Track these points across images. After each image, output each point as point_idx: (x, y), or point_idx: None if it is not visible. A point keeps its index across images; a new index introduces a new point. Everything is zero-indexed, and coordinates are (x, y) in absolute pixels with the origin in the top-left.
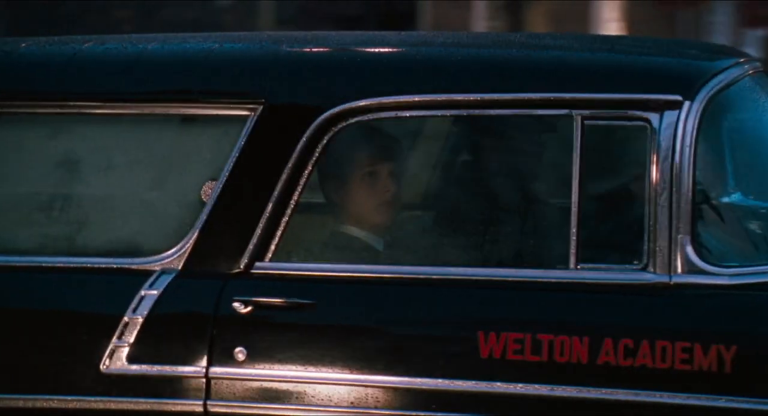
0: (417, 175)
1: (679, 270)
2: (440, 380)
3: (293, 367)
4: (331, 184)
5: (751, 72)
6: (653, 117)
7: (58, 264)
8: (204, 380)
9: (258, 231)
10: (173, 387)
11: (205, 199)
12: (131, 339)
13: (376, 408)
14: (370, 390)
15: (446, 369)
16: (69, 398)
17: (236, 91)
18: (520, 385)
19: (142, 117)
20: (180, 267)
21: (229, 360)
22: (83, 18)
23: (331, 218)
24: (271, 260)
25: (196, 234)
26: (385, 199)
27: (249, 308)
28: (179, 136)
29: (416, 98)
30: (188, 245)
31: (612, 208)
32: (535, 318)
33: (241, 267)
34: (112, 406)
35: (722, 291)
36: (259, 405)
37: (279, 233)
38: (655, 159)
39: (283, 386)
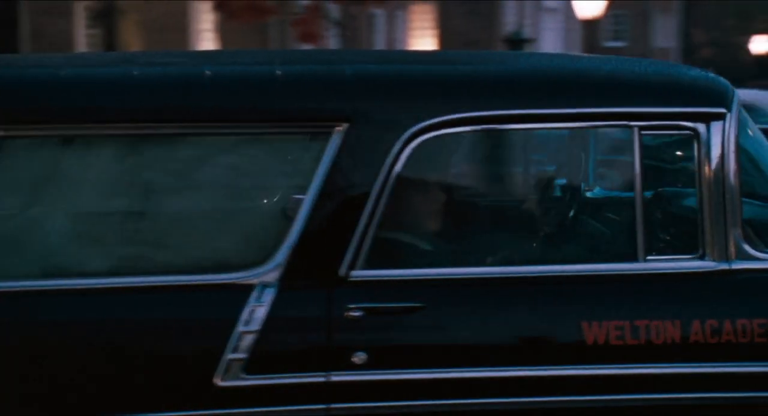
0: (496, 181)
1: (734, 257)
2: (551, 367)
3: (410, 366)
4: (411, 193)
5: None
6: (701, 127)
7: (155, 283)
8: (325, 385)
9: (352, 241)
10: (294, 394)
11: (291, 214)
12: (246, 352)
13: (492, 397)
14: (483, 382)
15: (555, 357)
16: (184, 414)
17: (322, 110)
18: (623, 366)
19: (230, 136)
20: (278, 280)
21: (348, 364)
22: None
23: (410, 224)
24: (364, 268)
25: (290, 248)
26: (456, 206)
27: (360, 313)
28: (264, 154)
29: (491, 113)
30: (283, 258)
31: (670, 206)
32: (627, 306)
33: (340, 275)
34: None
35: None
36: (381, 405)
37: (370, 242)
38: (706, 162)
39: (403, 385)
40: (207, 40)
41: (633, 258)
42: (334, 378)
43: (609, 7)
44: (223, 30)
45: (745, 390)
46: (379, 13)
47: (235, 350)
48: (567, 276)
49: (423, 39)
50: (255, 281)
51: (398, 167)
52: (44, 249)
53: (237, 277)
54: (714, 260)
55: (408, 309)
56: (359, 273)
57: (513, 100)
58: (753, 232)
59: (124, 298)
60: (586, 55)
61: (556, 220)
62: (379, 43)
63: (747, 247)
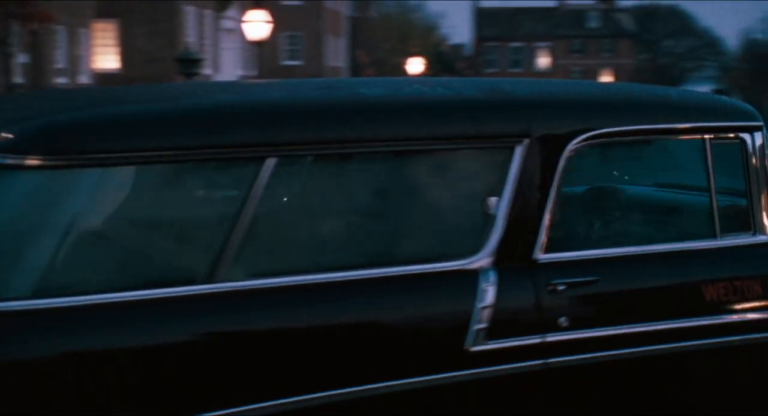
0: (634, 179)
1: None
2: (695, 318)
3: (599, 325)
4: (572, 190)
5: None
6: (747, 137)
7: (393, 274)
8: (542, 344)
9: (540, 230)
10: (522, 353)
11: (489, 211)
12: (486, 322)
13: (651, 345)
14: (649, 335)
15: (694, 310)
16: (440, 376)
17: (508, 130)
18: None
19: (438, 152)
20: (492, 265)
21: (556, 327)
22: None
23: (574, 216)
24: (547, 252)
25: (496, 238)
26: (604, 199)
27: (560, 287)
28: (469, 165)
29: (631, 128)
30: (493, 247)
31: (730, 196)
32: (725, 270)
33: (533, 259)
34: (479, 376)
35: None
36: (582, 357)
37: (548, 231)
38: (753, 164)
39: (596, 340)
40: None
41: (713, 236)
42: (549, 339)
43: (284, 28)
44: None
45: None
46: (61, 29)
47: (479, 321)
48: (685, 251)
49: (106, 56)
50: (477, 266)
51: (565, 170)
52: (322, 246)
53: (462, 264)
54: (764, 234)
55: (588, 282)
56: (545, 256)
57: (637, 118)
58: None
59: (386, 286)
60: (654, 85)
61: (670, 206)
62: (62, 60)
63: None
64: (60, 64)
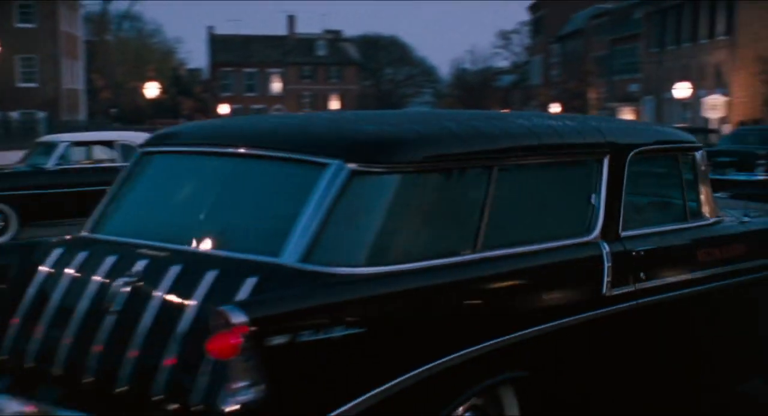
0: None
1: (689, 218)
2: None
3: (661, 276)
4: (632, 187)
5: None
6: (698, 153)
7: (556, 246)
8: (635, 290)
9: (620, 216)
10: (625, 297)
11: (593, 203)
12: (610, 276)
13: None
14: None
15: (703, 265)
16: (582, 316)
17: (600, 145)
18: None
19: (566, 163)
20: (600, 239)
21: (640, 279)
22: None
23: (632, 206)
24: (624, 230)
25: (599, 222)
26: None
27: (641, 254)
28: (577, 172)
29: (660, 146)
30: (596, 229)
31: (691, 193)
32: (707, 238)
33: (618, 235)
34: (611, 312)
35: None
36: (655, 298)
37: (623, 216)
38: (700, 169)
39: (660, 286)
40: None
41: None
42: (638, 286)
43: (19, 51)
44: None
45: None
46: None
47: (607, 276)
48: (684, 228)
49: None
50: (596, 240)
51: (627, 172)
52: (518, 227)
53: (590, 239)
54: (704, 219)
55: (652, 250)
56: (624, 233)
57: (658, 141)
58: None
59: (552, 252)
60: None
61: (666, 201)
62: None
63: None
64: None
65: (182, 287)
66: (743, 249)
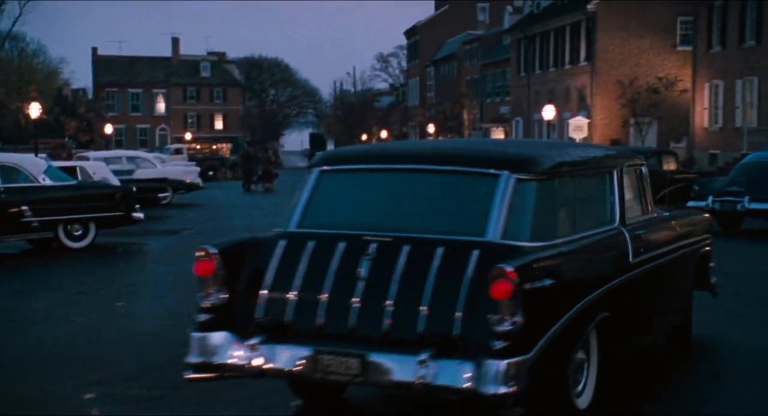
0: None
1: (619, 222)
2: None
3: (651, 250)
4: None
5: None
6: (643, 168)
7: (601, 231)
8: (640, 260)
9: (624, 210)
10: (639, 263)
11: (612, 202)
12: (632, 252)
13: None
14: None
15: (669, 241)
16: (624, 276)
17: (612, 164)
18: None
19: (598, 174)
20: (621, 226)
21: (641, 253)
22: None
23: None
24: (627, 220)
25: (618, 215)
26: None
27: (641, 235)
28: (598, 181)
29: (631, 163)
30: (618, 218)
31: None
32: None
33: (628, 223)
34: (633, 277)
35: None
36: (648, 265)
37: (625, 210)
38: (646, 180)
39: (652, 256)
40: None
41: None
42: (638, 259)
43: None
44: None
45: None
46: None
47: (631, 250)
48: (654, 218)
49: None
50: (619, 227)
51: (625, 181)
52: (592, 216)
53: (616, 225)
54: (651, 214)
55: (641, 232)
56: (628, 222)
57: (630, 161)
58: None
59: (599, 236)
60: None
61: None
62: None
63: (636, 212)
64: None
65: (429, 256)
66: (675, 232)
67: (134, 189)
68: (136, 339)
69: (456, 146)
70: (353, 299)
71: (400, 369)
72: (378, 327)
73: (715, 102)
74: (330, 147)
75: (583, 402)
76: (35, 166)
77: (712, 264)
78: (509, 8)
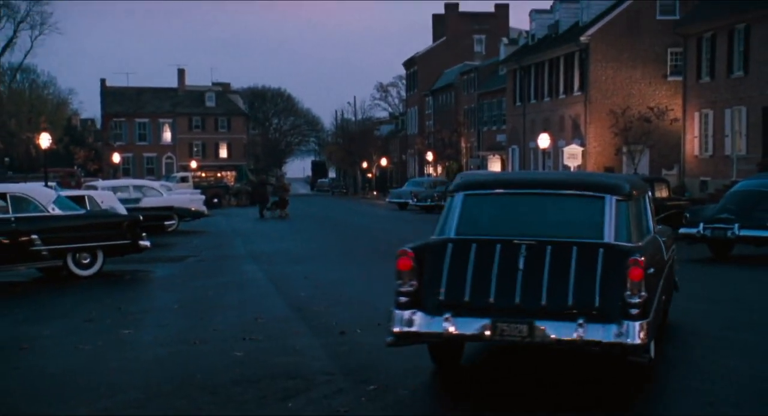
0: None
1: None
2: None
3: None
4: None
5: None
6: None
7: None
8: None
9: (651, 225)
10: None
11: (648, 220)
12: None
13: None
14: None
15: None
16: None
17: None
18: None
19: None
20: (655, 235)
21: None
22: None
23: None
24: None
25: (653, 227)
26: None
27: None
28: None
29: (635, 191)
30: (653, 230)
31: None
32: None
33: (653, 231)
34: (667, 268)
35: None
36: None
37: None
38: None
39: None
40: None
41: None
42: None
43: None
44: None
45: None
46: None
47: (664, 247)
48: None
49: None
50: (655, 234)
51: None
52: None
53: (653, 235)
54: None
55: (650, 240)
56: (654, 231)
57: (638, 189)
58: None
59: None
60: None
61: None
62: None
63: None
64: None
65: (567, 252)
66: (670, 240)
67: (141, 217)
68: (142, 366)
69: (567, 177)
70: (516, 283)
71: (561, 330)
72: (538, 302)
73: (705, 130)
74: (331, 174)
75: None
76: (45, 196)
77: (677, 267)
78: (505, 40)
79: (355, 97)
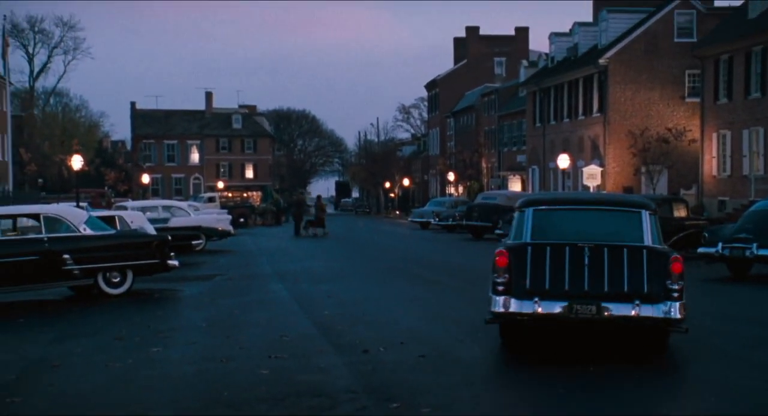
0: None
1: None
2: None
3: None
4: None
5: None
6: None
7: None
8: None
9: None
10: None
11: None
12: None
13: None
14: None
15: None
16: None
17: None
18: None
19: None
20: (653, 243)
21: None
22: None
23: None
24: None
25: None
26: None
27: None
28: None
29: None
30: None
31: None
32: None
33: (664, 243)
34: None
35: None
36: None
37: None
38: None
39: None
40: None
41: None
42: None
43: None
44: None
45: None
46: None
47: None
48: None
49: None
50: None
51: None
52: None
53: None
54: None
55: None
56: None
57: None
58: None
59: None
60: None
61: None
62: None
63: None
64: None
65: (620, 253)
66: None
67: (169, 237)
68: (171, 384)
69: (607, 196)
70: (584, 275)
71: (622, 309)
72: (602, 289)
73: (723, 151)
74: (355, 194)
75: None
76: (77, 216)
77: None
78: (525, 62)
79: (377, 119)
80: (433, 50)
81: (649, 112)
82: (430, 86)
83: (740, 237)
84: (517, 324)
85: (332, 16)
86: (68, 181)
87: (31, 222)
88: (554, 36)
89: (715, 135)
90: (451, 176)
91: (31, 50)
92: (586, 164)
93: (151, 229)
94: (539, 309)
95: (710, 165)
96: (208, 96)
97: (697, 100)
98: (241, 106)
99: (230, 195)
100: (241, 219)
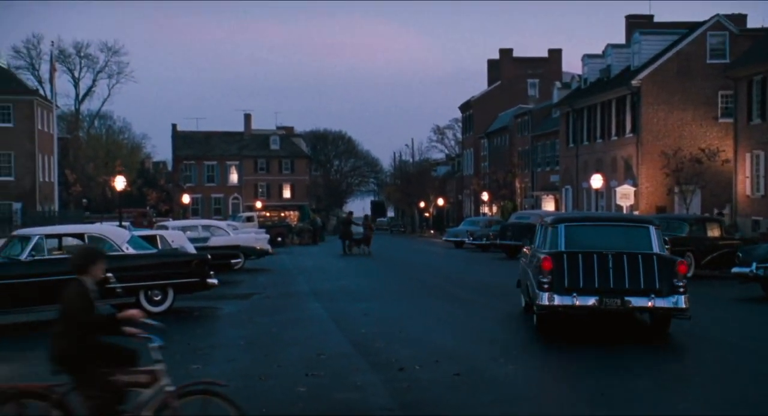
0: None
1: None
2: None
3: None
4: None
5: None
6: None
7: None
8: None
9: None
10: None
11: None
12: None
13: None
14: None
15: None
16: None
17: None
18: None
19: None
20: (661, 250)
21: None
22: None
23: None
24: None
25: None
26: None
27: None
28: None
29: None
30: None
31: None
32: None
33: (668, 250)
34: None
35: None
36: None
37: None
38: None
39: None
40: None
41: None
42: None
43: None
44: None
45: None
46: None
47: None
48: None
49: None
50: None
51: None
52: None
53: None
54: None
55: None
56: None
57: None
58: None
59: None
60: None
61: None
62: None
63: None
64: None
65: (636, 258)
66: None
67: (209, 256)
68: None
69: (623, 215)
70: (610, 276)
71: (641, 301)
72: (624, 286)
73: (757, 171)
74: (390, 213)
75: None
76: (119, 236)
77: None
78: (558, 84)
79: (412, 139)
80: (467, 72)
81: (681, 132)
82: (465, 107)
83: None
84: (551, 315)
85: (367, 38)
86: (111, 201)
87: (75, 242)
88: (587, 57)
89: (748, 155)
90: (485, 196)
91: (77, 74)
92: (619, 184)
93: (191, 248)
94: (577, 302)
95: (744, 185)
96: (247, 118)
97: (729, 120)
98: (278, 128)
99: (268, 214)
100: (279, 239)
